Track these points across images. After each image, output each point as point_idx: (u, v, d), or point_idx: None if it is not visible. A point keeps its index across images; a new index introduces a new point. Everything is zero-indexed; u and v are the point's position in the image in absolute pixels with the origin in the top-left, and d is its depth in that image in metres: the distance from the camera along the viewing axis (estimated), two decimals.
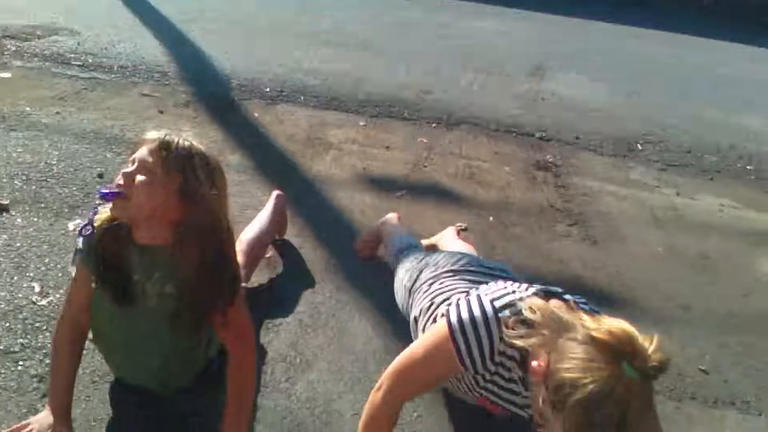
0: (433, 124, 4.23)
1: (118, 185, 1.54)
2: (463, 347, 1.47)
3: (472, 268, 1.93)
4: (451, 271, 1.93)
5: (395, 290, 2.18)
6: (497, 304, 1.46)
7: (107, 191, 1.54)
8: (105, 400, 1.82)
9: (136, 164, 1.55)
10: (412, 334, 1.92)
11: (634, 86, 5.71)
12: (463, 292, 1.77)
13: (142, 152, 1.55)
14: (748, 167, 4.37)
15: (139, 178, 1.53)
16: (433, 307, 1.81)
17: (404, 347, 2.13)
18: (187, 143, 1.58)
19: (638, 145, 4.42)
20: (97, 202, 1.60)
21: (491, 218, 3.16)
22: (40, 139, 3.22)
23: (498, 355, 1.46)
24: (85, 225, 1.64)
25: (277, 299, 2.34)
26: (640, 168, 4.09)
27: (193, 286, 1.60)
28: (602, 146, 4.28)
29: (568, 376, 1.23)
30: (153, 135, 1.58)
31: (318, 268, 2.56)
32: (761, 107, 5.71)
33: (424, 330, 1.80)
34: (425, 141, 3.96)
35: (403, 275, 2.12)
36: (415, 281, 2.00)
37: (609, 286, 2.76)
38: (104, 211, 1.62)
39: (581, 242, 3.08)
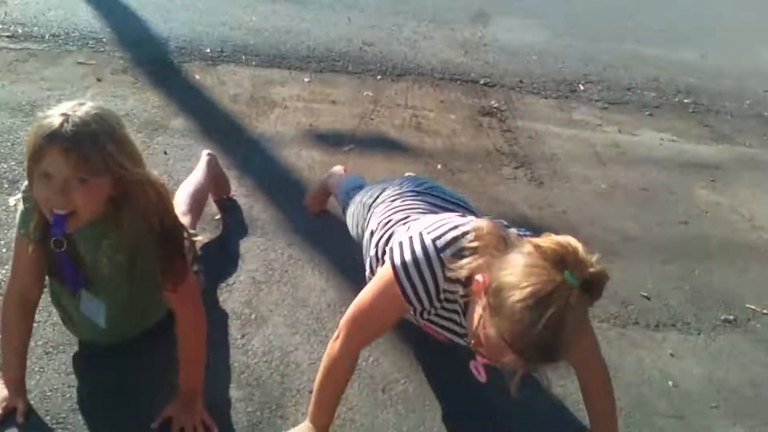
0: (378, 77, 4.22)
1: (59, 209, 1.45)
2: (409, 290, 1.50)
3: (435, 193, 1.94)
4: (414, 191, 1.93)
5: (349, 219, 2.16)
6: (439, 243, 1.48)
7: (59, 220, 1.46)
8: (59, 370, 1.82)
9: (59, 182, 1.41)
10: (364, 252, 1.93)
11: (574, 27, 5.75)
12: (423, 212, 1.79)
13: (56, 166, 1.39)
14: (685, 101, 4.49)
15: (75, 191, 1.43)
16: (390, 224, 1.79)
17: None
18: (84, 124, 1.39)
19: (580, 85, 4.49)
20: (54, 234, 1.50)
21: (439, 166, 3.19)
22: None
23: (443, 293, 1.50)
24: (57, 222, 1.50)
25: (230, 258, 2.35)
26: (582, 108, 4.17)
27: (144, 250, 1.59)
28: (545, 89, 4.33)
29: (509, 279, 1.26)
30: (46, 135, 1.37)
31: (269, 226, 2.57)
32: (698, 41, 5.82)
33: (377, 245, 1.80)
34: (370, 94, 3.95)
35: (360, 198, 2.11)
36: (377, 198, 1.99)
37: (555, 224, 2.83)
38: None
39: (528, 184, 3.14)
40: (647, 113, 4.22)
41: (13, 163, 2.77)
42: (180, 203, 2.25)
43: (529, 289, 1.22)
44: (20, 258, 1.69)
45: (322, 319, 2.12)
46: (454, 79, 4.29)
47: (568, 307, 1.21)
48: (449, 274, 1.46)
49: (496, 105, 3.97)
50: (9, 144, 2.92)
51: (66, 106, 1.43)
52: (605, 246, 2.70)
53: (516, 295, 1.23)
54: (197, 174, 2.50)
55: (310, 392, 1.83)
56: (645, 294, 2.42)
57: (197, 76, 3.89)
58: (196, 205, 2.34)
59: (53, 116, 1.40)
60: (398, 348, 2.03)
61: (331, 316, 2.13)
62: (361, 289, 2.08)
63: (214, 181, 2.58)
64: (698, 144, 3.86)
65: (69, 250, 1.59)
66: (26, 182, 1.57)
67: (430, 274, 1.48)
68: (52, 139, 1.37)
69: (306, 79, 4.03)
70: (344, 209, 2.28)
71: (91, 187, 1.44)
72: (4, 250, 2.24)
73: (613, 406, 1.69)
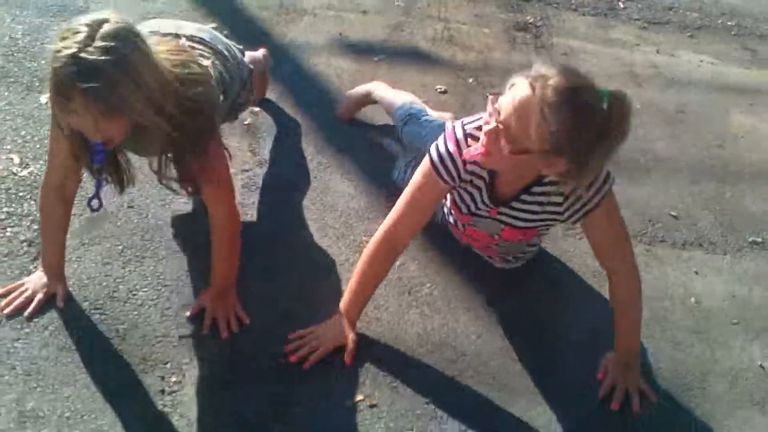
0: None
1: (100, 144, 1.45)
2: (437, 161, 1.63)
3: None
4: None
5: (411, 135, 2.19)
6: (468, 128, 1.61)
7: (98, 150, 1.46)
8: (96, 260, 1.87)
9: (89, 122, 1.36)
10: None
11: None
12: None
13: (82, 110, 1.33)
14: (729, 23, 4.31)
15: (105, 126, 1.39)
16: None
17: (385, 205, 2.21)
18: (101, 67, 1.28)
19: (619, 3, 4.32)
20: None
21: (471, 80, 3.13)
22: (1, 14, 3.09)
23: (468, 165, 1.61)
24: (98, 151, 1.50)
25: (259, 162, 2.36)
26: (620, 27, 4.02)
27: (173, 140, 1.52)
28: (583, 5, 4.17)
29: (559, 85, 1.34)
30: (65, 84, 1.30)
31: (298, 132, 2.56)
32: None
33: None
34: (402, 5, 3.84)
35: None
36: None
37: None
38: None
39: None
40: (688, 34, 4.06)
41: (42, 62, 2.77)
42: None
43: (583, 96, 1.35)
44: (55, 150, 1.67)
45: (350, 224, 2.14)
46: None
47: (612, 117, 1.35)
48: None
49: (531, 20, 3.85)
50: (39, 43, 2.90)
51: (80, 36, 1.29)
52: (635, 164, 2.67)
53: (568, 96, 1.34)
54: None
55: (337, 291, 1.88)
56: (673, 213, 2.40)
57: None
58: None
59: (65, 54, 1.28)
60: (426, 254, 2.06)
61: (359, 222, 2.15)
62: (389, 195, 2.11)
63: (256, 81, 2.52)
64: (739, 67, 3.73)
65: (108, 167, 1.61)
66: None
67: (454, 146, 1.61)
68: (70, 87, 1.30)
69: None
70: (404, 123, 2.28)
71: (119, 121, 1.41)
72: (38, 146, 2.27)
73: (639, 316, 1.72)
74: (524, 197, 1.65)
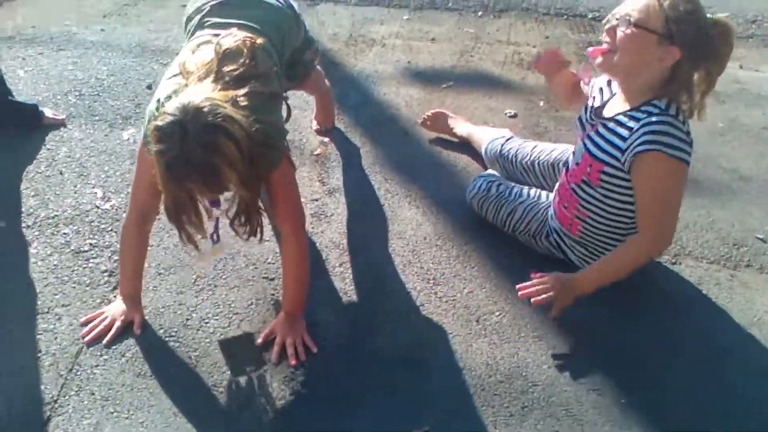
0: (479, 13, 4.09)
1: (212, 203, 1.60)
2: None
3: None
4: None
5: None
6: None
7: (215, 203, 1.61)
8: (171, 289, 1.93)
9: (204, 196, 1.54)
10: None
11: None
12: None
13: (196, 191, 1.50)
14: None
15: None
16: None
17: (453, 233, 2.19)
18: (201, 157, 1.40)
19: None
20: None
21: (542, 103, 3.08)
22: (89, 57, 3.28)
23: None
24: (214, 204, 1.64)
25: (329, 190, 2.38)
26: None
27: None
28: None
29: None
30: (172, 177, 1.44)
31: (366, 160, 2.58)
32: None
33: None
34: (471, 31, 3.84)
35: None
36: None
37: None
38: None
39: None
40: None
41: (125, 100, 2.92)
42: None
43: None
44: (140, 186, 1.73)
45: (418, 251, 2.13)
46: (560, 13, 4.09)
47: None
48: None
49: None
50: (122, 83, 3.07)
51: (173, 137, 1.39)
52: (718, 186, 2.54)
53: None
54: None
55: (405, 320, 1.86)
56: (760, 236, 2.26)
57: None
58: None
59: (170, 154, 1.40)
60: (494, 281, 2.01)
61: (427, 249, 2.13)
62: (456, 222, 2.10)
63: (323, 110, 2.69)
64: None
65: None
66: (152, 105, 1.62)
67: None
68: (184, 180, 1.44)
69: (405, 17, 3.97)
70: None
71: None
72: (119, 180, 2.38)
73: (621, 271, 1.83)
74: (620, 118, 1.77)
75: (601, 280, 1.84)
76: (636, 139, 1.69)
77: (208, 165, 1.41)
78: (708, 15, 1.65)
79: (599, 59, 1.75)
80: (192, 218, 1.54)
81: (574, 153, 1.96)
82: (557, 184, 2.04)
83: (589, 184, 1.85)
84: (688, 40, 1.62)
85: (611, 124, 1.79)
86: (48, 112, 2.70)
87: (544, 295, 1.78)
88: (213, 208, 1.63)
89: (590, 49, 1.80)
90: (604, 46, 1.73)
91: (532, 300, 1.78)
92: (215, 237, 1.76)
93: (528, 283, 1.82)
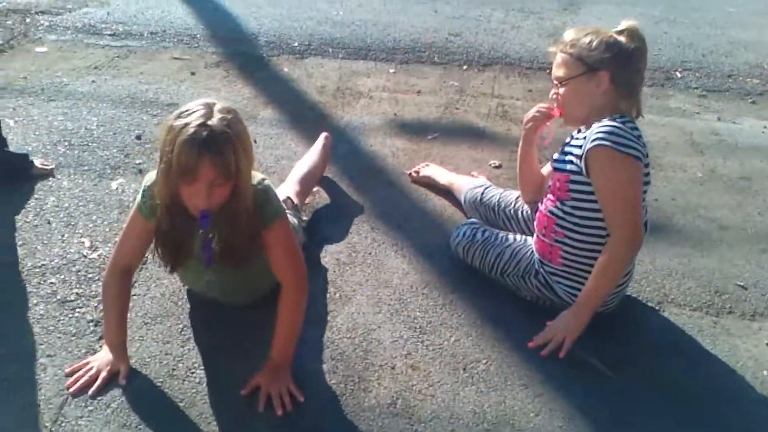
0: (464, 67, 4.21)
1: (202, 207, 1.62)
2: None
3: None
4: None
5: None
6: None
7: (205, 216, 1.64)
8: (157, 339, 1.92)
9: (204, 186, 1.57)
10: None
11: (671, 13, 5.53)
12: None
13: (203, 174, 1.54)
14: None
15: (215, 192, 1.60)
16: None
17: (439, 281, 2.21)
18: (223, 133, 1.53)
19: (676, 72, 4.32)
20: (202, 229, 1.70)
21: None
22: (79, 107, 3.33)
23: None
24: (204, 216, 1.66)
25: (316, 239, 2.40)
26: (679, 96, 4.01)
27: (228, 235, 1.72)
28: None
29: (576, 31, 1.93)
30: (194, 147, 1.51)
31: (353, 210, 2.61)
32: None
33: None
34: (456, 84, 3.94)
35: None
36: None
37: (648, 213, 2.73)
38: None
39: None
40: (750, 101, 4.00)
41: (114, 150, 2.95)
42: (293, 182, 2.47)
43: None
44: (129, 233, 1.83)
45: (404, 299, 2.14)
46: (543, 68, 4.21)
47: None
48: None
49: None
50: (111, 133, 3.10)
51: (199, 112, 1.54)
52: (699, 235, 2.59)
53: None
54: (314, 155, 2.69)
55: (392, 368, 1.86)
56: (741, 284, 2.30)
57: (286, 69, 4.00)
58: (309, 185, 2.58)
59: (194, 126, 1.51)
60: (479, 329, 2.02)
61: (414, 297, 2.15)
62: (443, 271, 2.12)
63: (324, 161, 2.74)
64: None
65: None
66: (149, 176, 1.75)
67: None
68: (203, 150, 1.51)
69: (391, 71, 4.07)
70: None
71: (226, 188, 1.61)
72: (107, 230, 2.39)
73: (610, 284, 1.91)
74: (577, 135, 1.98)
75: (597, 299, 1.91)
76: (588, 142, 1.84)
77: (226, 139, 1.51)
78: (605, 31, 1.89)
79: (562, 119, 2.04)
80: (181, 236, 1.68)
81: (550, 184, 2.07)
82: (536, 221, 2.12)
83: (561, 201, 1.96)
84: (606, 59, 1.86)
85: (572, 141, 1.98)
86: (37, 162, 2.72)
87: (551, 345, 1.92)
88: (203, 226, 1.67)
89: (554, 110, 2.07)
90: (556, 109, 2.04)
91: (542, 352, 1.92)
92: (206, 257, 1.76)
93: (539, 338, 1.95)
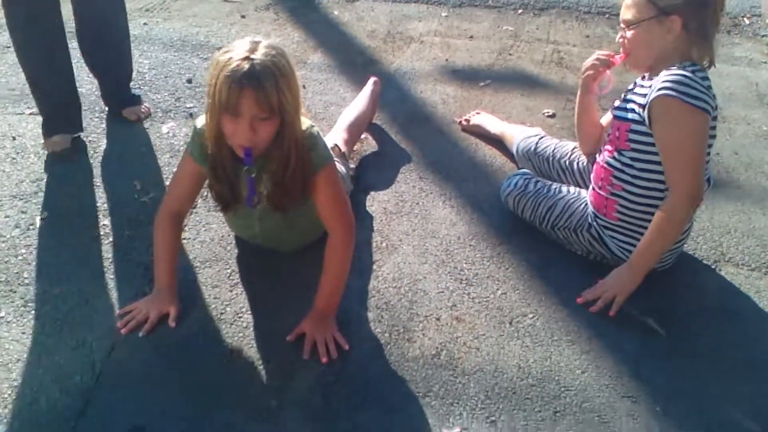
0: (519, 11, 4.05)
1: (246, 144, 1.62)
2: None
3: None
4: None
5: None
6: None
7: (249, 153, 1.63)
8: (206, 283, 1.95)
9: (247, 120, 1.56)
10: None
11: None
12: None
13: (247, 107, 1.53)
14: None
15: (259, 128, 1.58)
16: None
17: (487, 233, 2.18)
18: (268, 67, 1.52)
19: (744, 19, 4.07)
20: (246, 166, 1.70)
21: None
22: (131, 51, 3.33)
23: None
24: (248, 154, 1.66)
25: (363, 188, 2.39)
26: (745, 44, 3.79)
27: (278, 177, 1.71)
28: None
29: None
30: (238, 79, 1.50)
31: (401, 159, 2.58)
32: None
33: None
34: (510, 29, 3.81)
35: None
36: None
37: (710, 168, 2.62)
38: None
39: None
40: None
41: (165, 94, 2.96)
42: (341, 129, 2.43)
43: None
44: (180, 178, 1.87)
45: (451, 251, 2.12)
46: (601, 12, 4.03)
47: None
48: None
49: None
50: (162, 77, 3.11)
51: (244, 47, 1.54)
52: (761, 192, 2.47)
53: None
54: (362, 101, 2.64)
55: (437, 319, 1.85)
56: None
57: (336, 12, 3.93)
58: (357, 132, 2.54)
59: (237, 59, 1.51)
60: (526, 283, 1.99)
61: (461, 248, 2.12)
62: (490, 222, 2.09)
63: (372, 107, 2.70)
64: None
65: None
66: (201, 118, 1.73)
67: None
68: (244, 82, 1.50)
69: (444, 14, 3.96)
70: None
71: (270, 124, 1.59)
72: (158, 174, 2.42)
73: (668, 241, 1.85)
74: (642, 82, 1.89)
75: (652, 257, 1.86)
76: (653, 90, 1.76)
77: (269, 73, 1.51)
78: None
79: (626, 65, 1.95)
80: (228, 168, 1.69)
81: (609, 134, 1.99)
82: (592, 173, 2.05)
83: (620, 151, 1.89)
84: (678, 3, 1.74)
85: (636, 89, 1.90)
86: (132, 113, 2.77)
87: (601, 302, 1.88)
88: (246, 164, 1.68)
89: (615, 57, 2.00)
90: (621, 53, 1.92)
91: (591, 309, 1.89)
92: (255, 198, 1.77)
93: (588, 293, 1.92)
